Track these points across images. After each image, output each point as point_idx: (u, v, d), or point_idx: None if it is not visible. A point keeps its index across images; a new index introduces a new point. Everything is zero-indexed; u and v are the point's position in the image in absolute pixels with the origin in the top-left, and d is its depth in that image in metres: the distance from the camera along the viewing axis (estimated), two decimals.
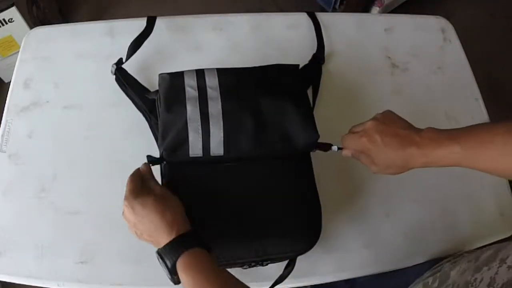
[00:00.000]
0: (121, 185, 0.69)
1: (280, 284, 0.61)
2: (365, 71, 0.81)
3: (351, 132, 0.59)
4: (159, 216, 0.51)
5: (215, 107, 0.59)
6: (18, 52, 0.81)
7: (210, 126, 0.58)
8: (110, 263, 0.64)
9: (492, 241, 0.70)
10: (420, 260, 0.67)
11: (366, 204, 0.70)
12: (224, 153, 0.58)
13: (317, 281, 0.62)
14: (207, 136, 0.58)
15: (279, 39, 0.84)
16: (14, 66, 0.79)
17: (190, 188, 0.59)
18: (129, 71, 0.75)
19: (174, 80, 0.62)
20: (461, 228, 0.70)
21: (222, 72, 0.63)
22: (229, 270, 0.59)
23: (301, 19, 0.87)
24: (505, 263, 0.42)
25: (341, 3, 1.64)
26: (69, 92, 0.77)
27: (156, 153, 0.71)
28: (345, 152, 0.59)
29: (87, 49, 0.81)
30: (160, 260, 0.50)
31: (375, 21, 0.89)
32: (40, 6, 1.48)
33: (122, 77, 0.75)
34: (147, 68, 0.79)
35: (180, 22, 0.81)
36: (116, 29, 0.83)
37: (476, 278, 0.44)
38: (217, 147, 0.58)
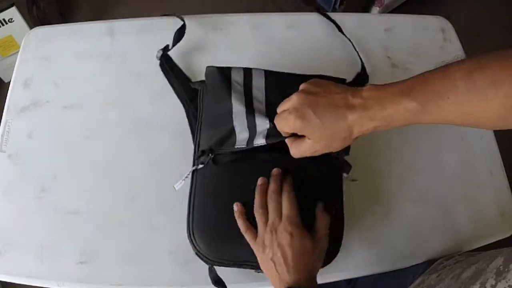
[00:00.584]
0: (121, 184, 0.69)
1: None
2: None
3: (279, 112, 0.52)
4: (309, 256, 0.52)
5: (259, 104, 0.60)
6: (18, 52, 0.81)
7: (256, 119, 0.58)
8: (110, 263, 0.64)
9: (492, 241, 0.70)
10: (420, 260, 0.67)
11: (366, 204, 0.70)
12: (265, 140, 0.56)
13: (317, 281, 0.62)
14: (253, 127, 0.57)
15: (279, 39, 0.84)
16: (14, 66, 0.79)
17: (223, 185, 0.60)
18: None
19: (222, 74, 0.63)
20: (461, 228, 0.70)
21: (269, 75, 0.64)
22: (243, 272, 0.60)
23: (302, 19, 0.87)
24: (485, 287, 0.41)
25: (341, 3, 1.64)
26: (69, 92, 0.77)
27: (157, 154, 0.72)
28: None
29: (87, 49, 0.81)
30: None
31: (375, 21, 0.89)
32: (40, 6, 1.48)
33: (167, 63, 0.77)
34: (145, 68, 0.79)
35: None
36: (116, 29, 0.83)
37: None
38: (259, 137, 0.57)
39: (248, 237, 0.55)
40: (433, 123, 0.45)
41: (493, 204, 0.73)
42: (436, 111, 0.43)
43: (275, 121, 0.53)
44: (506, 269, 0.41)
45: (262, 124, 0.57)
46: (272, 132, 0.56)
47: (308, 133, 0.48)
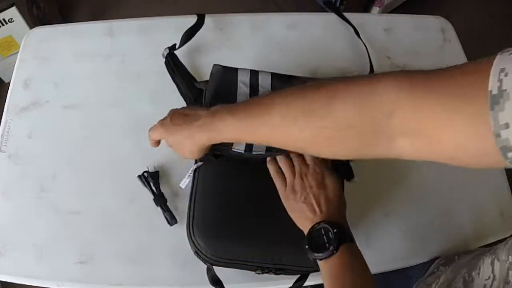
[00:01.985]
0: (121, 185, 0.69)
1: (282, 284, 0.62)
2: (365, 72, 0.81)
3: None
4: (338, 193, 0.55)
5: None
6: (18, 52, 0.81)
7: None
8: (110, 263, 0.64)
9: (491, 240, 0.70)
10: (420, 260, 0.67)
11: (366, 204, 0.70)
12: (265, 152, 0.57)
13: (318, 281, 0.62)
14: None
15: (279, 39, 0.84)
16: (14, 66, 0.79)
17: (224, 183, 0.59)
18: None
19: (228, 74, 0.63)
20: (461, 228, 0.70)
21: (275, 76, 0.64)
22: (241, 272, 0.60)
23: (302, 19, 0.87)
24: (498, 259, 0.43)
25: (341, 3, 1.64)
26: (69, 92, 0.77)
27: (157, 155, 0.72)
28: None
29: (87, 49, 0.81)
30: (333, 231, 0.50)
31: (375, 21, 0.89)
32: (40, 6, 1.48)
33: (172, 62, 0.77)
34: (145, 68, 0.79)
35: (180, 22, 0.81)
36: (115, 29, 0.83)
37: None
38: (259, 146, 0.57)
39: (277, 182, 0.57)
40: (254, 141, 0.51)
41: (493, 204, 0.73)
42: (251, 130, 0.48)
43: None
44: (471, 278, 0.42)
45: None
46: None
47: (167, 136, 0.56)
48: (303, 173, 0.55)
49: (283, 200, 0.56)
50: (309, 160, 0.57)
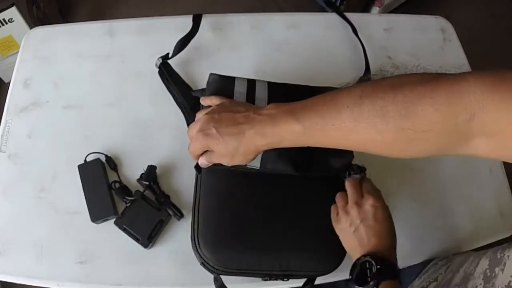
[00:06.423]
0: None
1: (282, 284, 0.62)
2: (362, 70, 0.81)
3: (190, 137, 0.53)
4: (390, 224, 0.56)
5: None
6: (18, 52, 0.81)
7: None
8: (110, 263, 0.64)
9: (491, 241, 0.70)
10: (420, 260, 0.67)
11: None
12: (260, 166, 0.57)
13: (317, 281, 0.62)
14: None
15: (279, 39, 0.84)
16: (14, 66, 0.79)
17: (224, 195, 0.59)
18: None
19: (225, 83, 0.62)
20: (461, 228, 0.70)
21: (272, 86, 0.63)
22: (248, 279, 0.59)
23: (302, 19, 0.87)
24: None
25: (341, 3, 1.64)
26: (69, 92, 0.77)
27: (157, 155, 0.72)
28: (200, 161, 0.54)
29: (86, 49, 0.81)
30: (377, 267, 0.50)
31: (375, 21, 0.89)
32: (40, 6, 1.48)
33: (166, 71, 0.76)
34: (145, 68, 0.79)
35: (180, 22, 0.81)
36: (115, 29, 0.83)
37: None
38: (254, 160, 0.56)
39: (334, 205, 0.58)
40: (324, 145, 0.45)
41: (493, 204, 0.73)
42: (321, 136, 0.44)
43: (189, 149, 0.53)
44: (493, 274, 0.42)
45: None
46: (266, 158, 0.57)
47: (214, 148, 0.50)
48: (355, 203, 0.55)
49: (334, 225, 0.57)
50: (367, 188, 0.57)
